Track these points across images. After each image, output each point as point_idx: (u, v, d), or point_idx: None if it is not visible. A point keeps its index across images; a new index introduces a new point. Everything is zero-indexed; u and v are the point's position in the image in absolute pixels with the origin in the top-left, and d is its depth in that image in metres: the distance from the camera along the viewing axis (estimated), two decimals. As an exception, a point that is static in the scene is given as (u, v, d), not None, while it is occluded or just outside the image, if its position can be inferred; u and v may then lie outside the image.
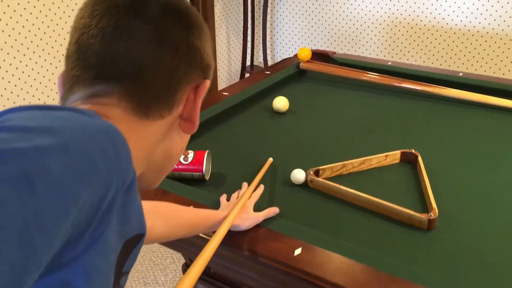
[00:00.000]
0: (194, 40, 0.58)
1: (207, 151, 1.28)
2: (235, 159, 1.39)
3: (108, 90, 0.54)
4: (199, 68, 0.60)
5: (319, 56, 2.13)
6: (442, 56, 3.36)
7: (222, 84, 4.05)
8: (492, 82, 1.82)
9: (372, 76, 1.87)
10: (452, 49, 3.31)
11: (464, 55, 3.28)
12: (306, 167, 1.28)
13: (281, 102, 1.68)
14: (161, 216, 0.91)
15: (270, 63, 4.13)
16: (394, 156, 1.36)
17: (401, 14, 3.39)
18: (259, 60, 4.19)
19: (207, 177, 1.27)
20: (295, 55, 2.17)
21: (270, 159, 1.35)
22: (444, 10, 3.23)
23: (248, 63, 4.12)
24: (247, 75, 4.19)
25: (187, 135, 0.65)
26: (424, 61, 3.42)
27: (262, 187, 1.17)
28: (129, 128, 0.55)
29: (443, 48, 3.34)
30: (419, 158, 1.32)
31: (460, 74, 1.91)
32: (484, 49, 3.20)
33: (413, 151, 1.35)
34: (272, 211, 1.07)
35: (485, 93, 1.74)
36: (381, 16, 3.47)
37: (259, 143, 1.49)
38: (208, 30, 0.63)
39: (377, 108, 1.73)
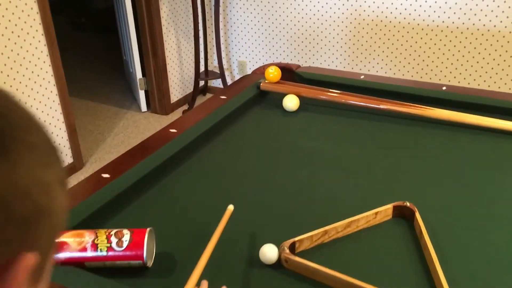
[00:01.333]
0: None
1: (148, 229, 0.97)
2: (187, 226, 1.09)
3: None
4: (8, 227, 0.28)
5: (281, 70, 1.84)
6: (410, 54, 3.13)
7: (175, 93, 3.71)
8: (481, 97, 1.58)
9: (344, 97, 1.60)
10: (420, 46, 3.09)
11: (434, 52, 3.07)
12: (278, 231, 1.00)
13: (292, 102, 1.62)
14: None
15: (226, 66, 3.81)
16: (385, 212, 1.09)
17: (364, 10, 3.14)
18: (214, 64, 3.87)
19: (150, 263, 0.97)
20: (253, 72, 1.88)
21: (230, 208, 1.02)
22: (410, 4, 3.00)
23: (202, 68, 3.80)
24: (201, 82, 3.87)
25: None
26: (391, 60, 3.19)
27: (205, 283, 0.86)
28: None
29: (411, 46, 3.12)
30: (417, 215, 1.06)
31: (444, 88, 1.66)
32: (455, 45, 2.99)
33: (407, 204, 1.09)
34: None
35: (476, 111, 1.51)
36: (342, 13, 3.21)
37: (218, 199, 1.19)
38: (43, 133, 0.32)
39: (355, 140, 1.45)
